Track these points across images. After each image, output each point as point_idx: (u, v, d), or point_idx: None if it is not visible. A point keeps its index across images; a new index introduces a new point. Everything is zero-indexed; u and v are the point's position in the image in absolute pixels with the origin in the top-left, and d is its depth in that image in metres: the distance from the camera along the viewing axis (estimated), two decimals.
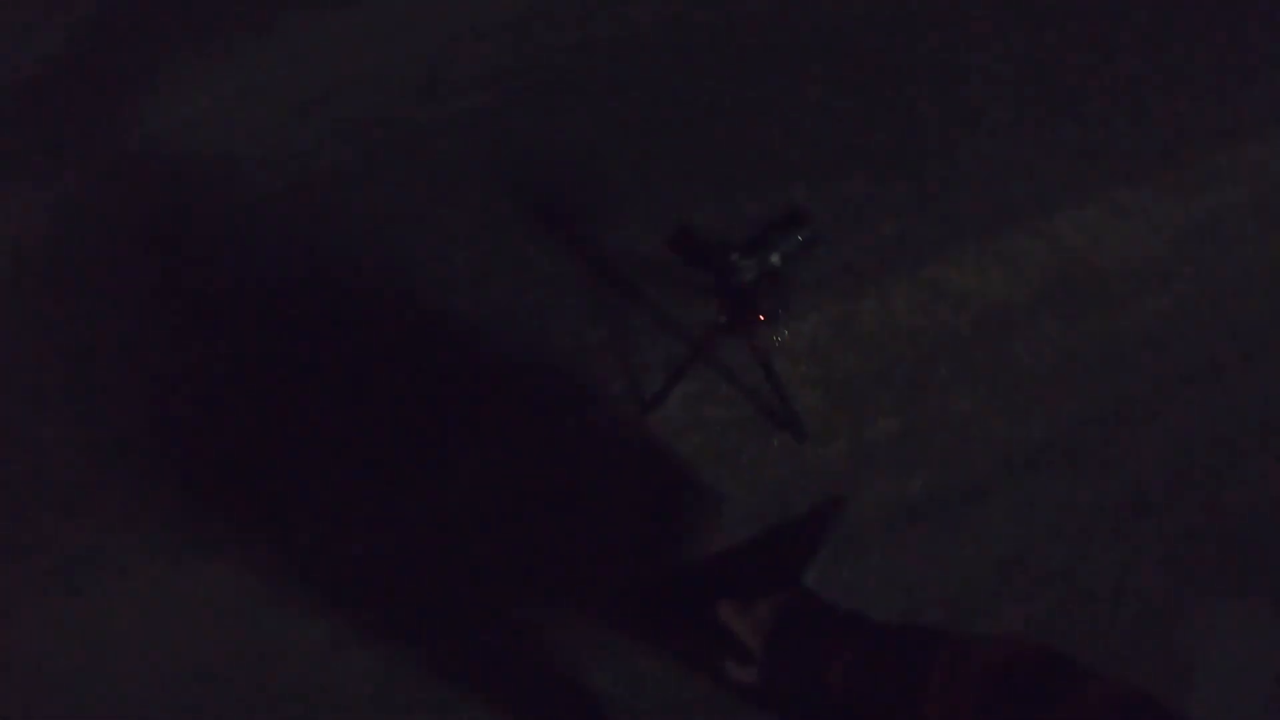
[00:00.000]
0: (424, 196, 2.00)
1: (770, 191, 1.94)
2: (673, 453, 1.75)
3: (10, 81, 2.22)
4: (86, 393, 1.85)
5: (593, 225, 1.94)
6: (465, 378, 1.82)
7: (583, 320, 1.86)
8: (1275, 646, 1.51)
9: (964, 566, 1.64)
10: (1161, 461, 1.66)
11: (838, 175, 1.95)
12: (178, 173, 2.06)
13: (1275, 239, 1.82)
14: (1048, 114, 2.01)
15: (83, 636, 1.61)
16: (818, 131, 2.00)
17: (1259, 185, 1.88)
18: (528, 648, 1.65)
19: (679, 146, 2.01)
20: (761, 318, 1.38)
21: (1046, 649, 0.68)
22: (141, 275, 1.96)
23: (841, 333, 1.81)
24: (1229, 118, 1.98)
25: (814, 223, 1.40)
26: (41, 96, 2.21)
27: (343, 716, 1.55)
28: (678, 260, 1.47)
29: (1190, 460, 1.66)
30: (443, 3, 2.28)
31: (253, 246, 1.96)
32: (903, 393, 1.75)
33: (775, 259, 1.37)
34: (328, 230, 1.97)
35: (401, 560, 1.71)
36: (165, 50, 2.22)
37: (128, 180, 2.07)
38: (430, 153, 2.04)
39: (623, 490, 1.74)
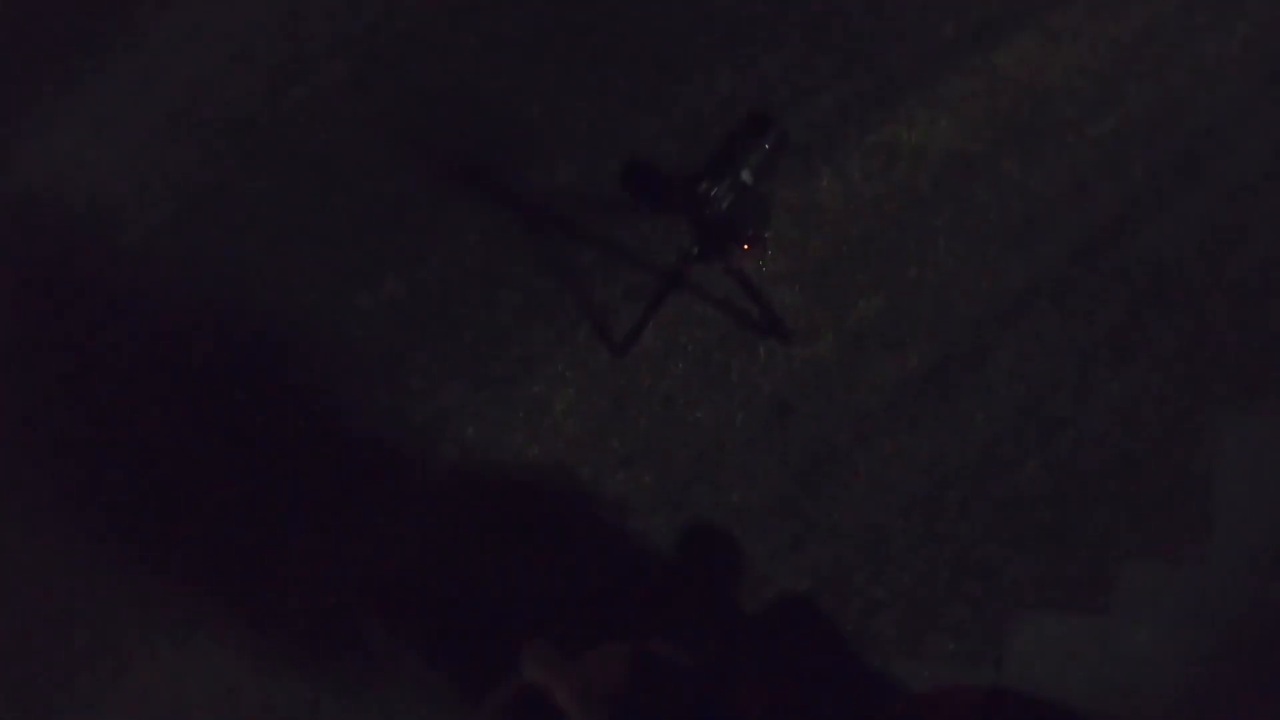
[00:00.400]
0: (318, 189, 1.74)
1: (696, 91, 1.76)
2: (659, 388, 1.63)
3: None
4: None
5: (510, 172, 1.74)
6: (420, 365, 1.64)
7: (528, 273, 1.68)
8: None
9: (976, 432, 1.60)
10: (1144, 284, 1.64)
11: (761, 55, 1.79)
12: (51, 232, 1.73)
13: (1209, 39, 1.76)
14: None
15: None
16: (730, 16, 1.82)
17: None
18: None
19: (580, 68, 1.79)
20: (745, 247, 1.23)
21: (1025, 695, 0.58)
22: (39, 348, 1.68)
23: (804, 219, 1.69)
24: None
25: (778, 123, 1.24)
26: None
27: None
28: (639, 202, 1.30)
29: (1172, 277, 1.64)
30: None
31: (150, 287, 1.69)
32: (879, 268, 1.67)
33: (746, 175, 1.21)
34: (228, 249, 1.71)
35: (399, 572, 1.56)
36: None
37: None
38: (309, 139, 1.77)
39: (614, 442, 1.62)
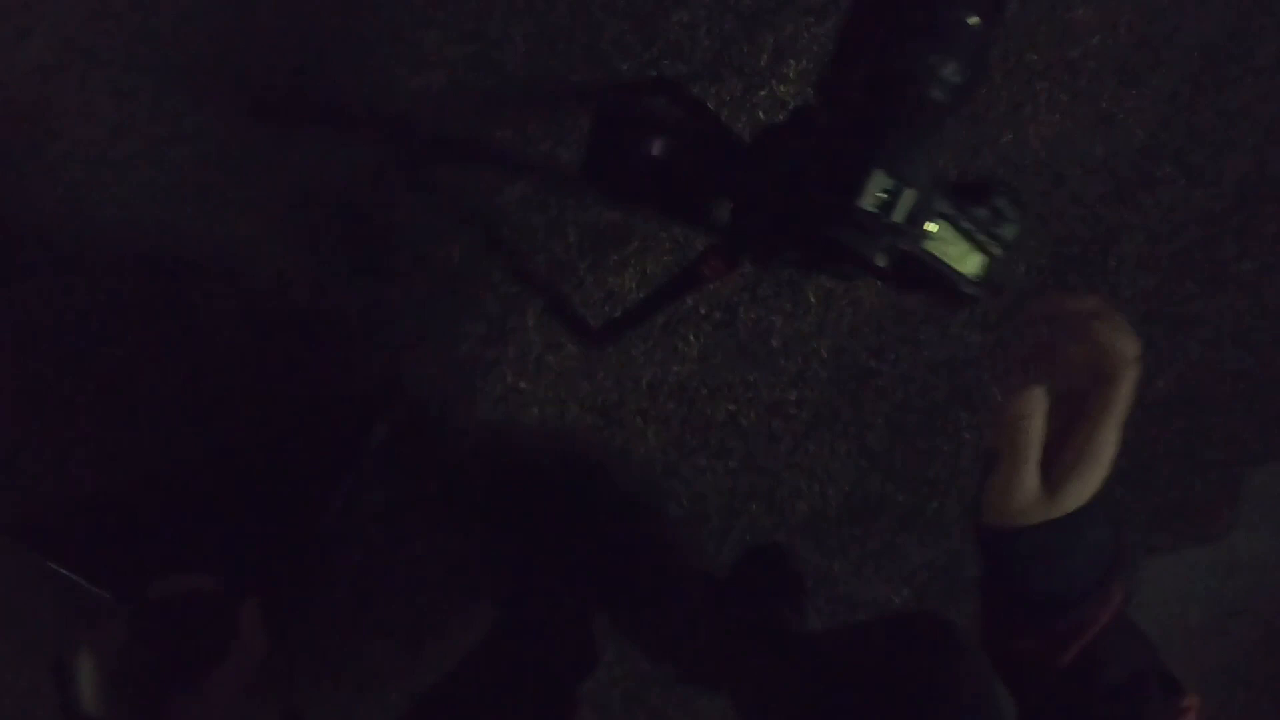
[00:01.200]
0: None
1: None
2: (667, 379, 1.05)
3: None
4: None
5: (363, 77, 0.95)
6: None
7: (419, 237, 0.97)
8: None
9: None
10: (1266, 123, 1.21)
11: None
12: None
13: None
14: None
15: None
16: None
17: None
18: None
19: None
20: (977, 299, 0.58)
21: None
22: None
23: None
24: None
25: None
26: None
27: None
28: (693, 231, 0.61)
29: None
30: None
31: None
32: (963, 136, 1.12)
33: (938, 91, 0.53)
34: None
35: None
36: None
37: None
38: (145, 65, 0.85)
39: (616, 476, 1.04)
